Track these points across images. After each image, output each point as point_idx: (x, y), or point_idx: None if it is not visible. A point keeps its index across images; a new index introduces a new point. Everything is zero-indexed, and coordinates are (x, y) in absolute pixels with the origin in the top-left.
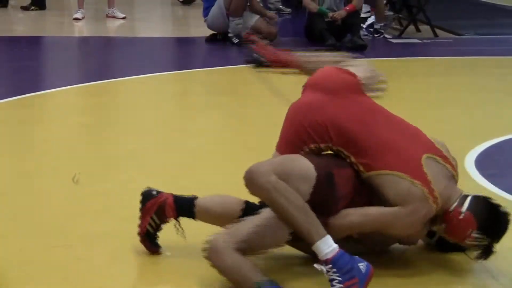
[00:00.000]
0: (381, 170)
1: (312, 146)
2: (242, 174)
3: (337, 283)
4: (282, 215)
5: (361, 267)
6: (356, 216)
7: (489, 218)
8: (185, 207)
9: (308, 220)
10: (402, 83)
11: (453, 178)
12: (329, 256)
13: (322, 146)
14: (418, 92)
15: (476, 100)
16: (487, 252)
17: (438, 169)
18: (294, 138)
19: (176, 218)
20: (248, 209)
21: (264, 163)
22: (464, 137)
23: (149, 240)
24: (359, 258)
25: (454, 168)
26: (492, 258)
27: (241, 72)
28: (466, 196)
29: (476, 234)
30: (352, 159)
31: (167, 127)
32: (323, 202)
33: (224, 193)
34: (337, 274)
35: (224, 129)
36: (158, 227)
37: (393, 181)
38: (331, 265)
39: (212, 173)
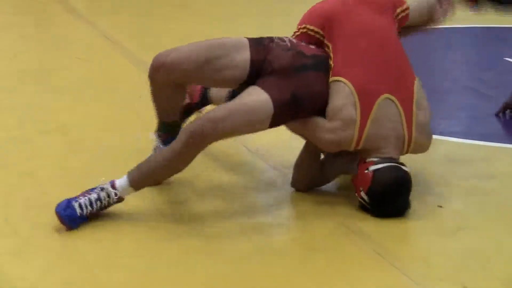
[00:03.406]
0: (343, 76)
1: (310, 27)
2: None
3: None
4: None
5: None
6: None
7: (381, 191)
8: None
9: None
10: None
11: (398, 139)
12: None
13: (316, 29)
14: None
15: None
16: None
17: (389, 117)
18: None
19: None
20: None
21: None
22: None
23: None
24: None
25: (411, 137)
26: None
27: None
28: (390, 160)
29: (363, 194)
30: (331, 54)
31: None
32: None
33: None
34: None
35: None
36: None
37: (340, 91)
38: None
39: None
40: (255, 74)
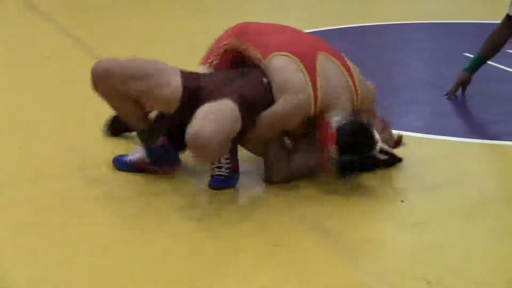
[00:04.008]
0: (274, 52)
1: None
2: None
3: (225, 158)
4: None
5: None
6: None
7: (350, 139)
8: None
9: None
10: None
11: (348, 90)
12: None
13: (233, 42)
14: None
15: None
16: (343, 169)
17: (332, 71)
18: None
19: None
20: None
21: (213, 136)
22: None
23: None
24: None
25: (356, 85)
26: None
27: None
28: (347, 113)
29: (334, 152)
30: (251, 49)
31: None
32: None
33: None
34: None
35: None
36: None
37: (281, 66)
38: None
39: None
40: (191, 101)
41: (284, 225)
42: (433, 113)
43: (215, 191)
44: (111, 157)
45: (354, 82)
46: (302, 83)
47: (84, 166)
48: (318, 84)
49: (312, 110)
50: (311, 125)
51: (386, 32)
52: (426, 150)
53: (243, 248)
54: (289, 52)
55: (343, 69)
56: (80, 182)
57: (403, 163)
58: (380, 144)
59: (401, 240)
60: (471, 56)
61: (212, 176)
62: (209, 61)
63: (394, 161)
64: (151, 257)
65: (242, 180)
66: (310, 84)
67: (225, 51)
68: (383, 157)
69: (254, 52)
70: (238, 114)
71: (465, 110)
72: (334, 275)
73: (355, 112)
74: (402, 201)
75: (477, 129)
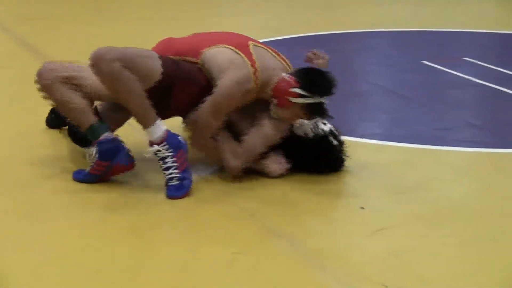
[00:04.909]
0: (208, 46)
1: None
2: None
3: (170, 158)
4: (122, 100)
5: (180, 139)
6: (197, 115)
7: (308, 76)
8: None
9: (144, 106)
10: None
11: (283, 67)
12: (162, 136)
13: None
14: None
15: None
16: (315, 108)
17: (266, 54)
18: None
19: None
20: None
21: (112, 50)
22: None
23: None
24: (176, 134)
25: (287, 63)
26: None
27: None
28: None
29: (298, 90)
30: (183, 58)
31: None
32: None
33: None
34: (170, 150)
35: None
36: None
37: (217, 52)
38: (164, 143)
39: None
40: None
41: (246, 233)
42: (392, 120)
43: (172, 200)
44: (72, 165)
45: (285, 60)
46: (241, 61)
47: (44, 175)
48: (255, 61)
49: (253, 85)
50: (254, 109)
51: (347, 40)
52: (385, 157)
53: (204, 257)
54: (222, 43)
55: (273, 52)
56: (38, 192)
57: (363, 170)
58: (330, 127)
59: (363, 247)
60: (430, 64)
61: (166, 183)
62: None
63: (340, 159)
64: (110, 268)
65: (201, 188)
66: (249, 62)
67: None
68: (334, 141)
69: (186, 58)
70: (156, 57)
71: (424, 117)
72: (297, 283)
73: None
74: (362, 207)
75: (436, 136)
